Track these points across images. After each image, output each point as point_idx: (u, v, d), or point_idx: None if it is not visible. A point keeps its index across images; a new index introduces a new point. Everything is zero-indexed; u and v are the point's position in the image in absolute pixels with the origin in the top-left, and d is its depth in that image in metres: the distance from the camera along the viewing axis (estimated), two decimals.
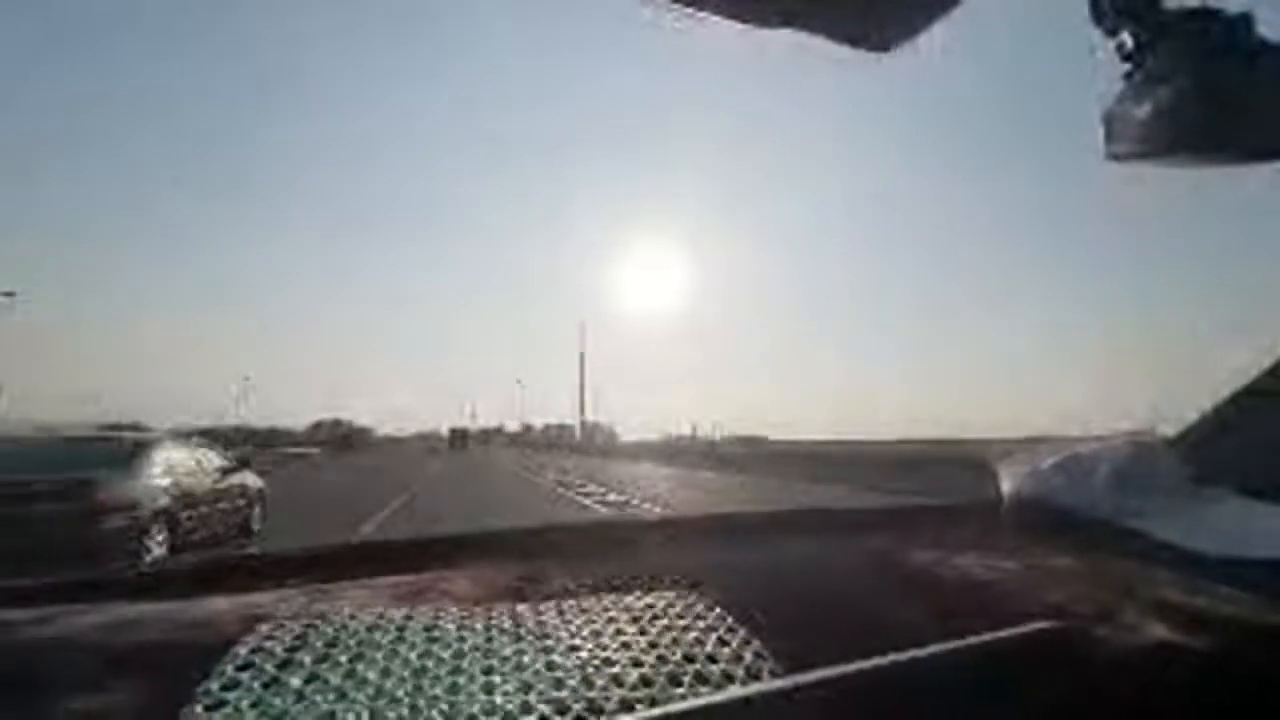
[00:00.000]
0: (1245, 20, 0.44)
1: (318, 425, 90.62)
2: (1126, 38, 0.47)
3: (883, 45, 0.47)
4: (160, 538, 5.81)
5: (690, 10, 0.42)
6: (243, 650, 0.38)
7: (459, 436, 77.52)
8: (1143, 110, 0.46)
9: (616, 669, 0.37)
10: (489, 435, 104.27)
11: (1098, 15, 0.47)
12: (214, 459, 7.44)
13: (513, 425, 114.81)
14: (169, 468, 6.30)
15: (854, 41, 0.47)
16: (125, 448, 6.24)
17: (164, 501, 5.95)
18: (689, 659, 0.38)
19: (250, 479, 8.16)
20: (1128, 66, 0.47)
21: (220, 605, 0.47)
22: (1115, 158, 0.49)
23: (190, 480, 6.58)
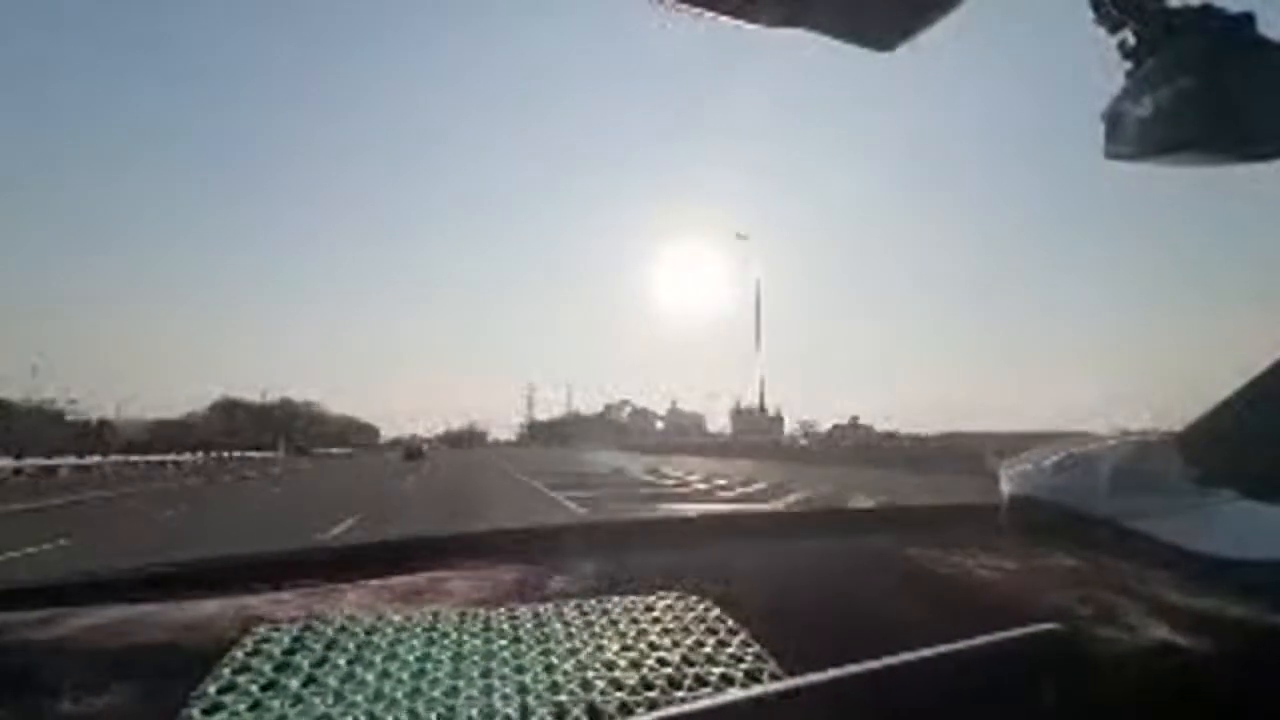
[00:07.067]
0: (1246, 20, 0.44)
1: (214, 409, 65.44)
2: (1129, 36, 0.47)
3: (887, 44, 0.47)
4: (427, 451, 54.35)
5: (698, 10, 0.42)
6: (239, 653, 0.38)
7: (464, 438, 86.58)
8: (1144, 109, 0.46)
9: (616, 671, 0.37)
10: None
11: (1100, 13, 0.47)
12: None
13: (621, 416, 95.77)
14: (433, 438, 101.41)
15: (858, 40, 0.47)
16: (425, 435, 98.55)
17: (430, 445, 76.55)
18: (689, 661, 0.38)
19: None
20: (1129, 65, 0.47)
21: (216, 607, 0.46)
22: (1116, 156, 0.49)
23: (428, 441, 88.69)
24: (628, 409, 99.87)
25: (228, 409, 71.25)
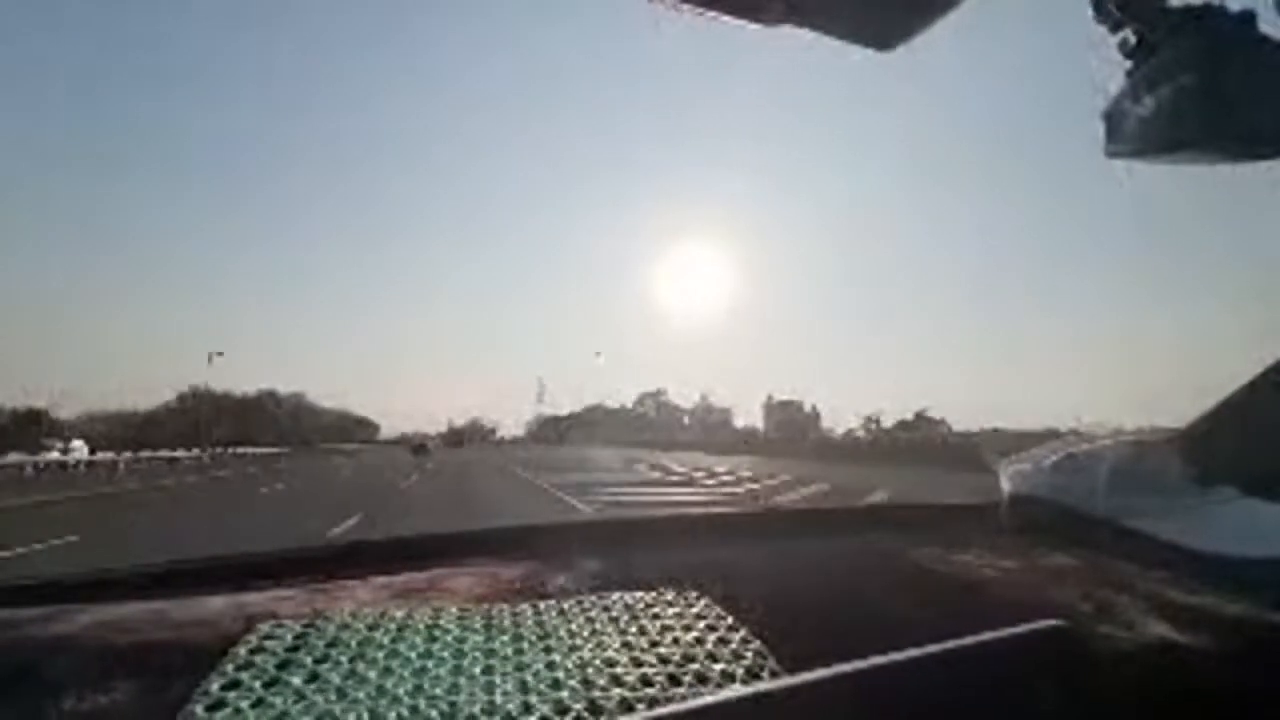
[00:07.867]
0: (1247, 19, 0.44)
1: (182, 400, 53.12)
2: (1129, 35, 0.47)
3: (886, 43, 0.47)
4: (431, 448, 55.52)
5: (696, 9, 0.42)
6: (243, 650, 0.38)
7: (465, 436, 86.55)
8: (1144, 108, 0.46)
9: (617, 669, 0.37)
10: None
11: (1101, 12, 0.47)
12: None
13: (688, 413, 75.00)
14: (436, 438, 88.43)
15: (856, 39, 0.47)
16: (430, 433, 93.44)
17: (434, 442, 70.76)
18: (689, 659, 0.38)
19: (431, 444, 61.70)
20: (1129, 64, 0.48)
21: (220, 604, 0.47)
22: (1116, 155, 0.49)
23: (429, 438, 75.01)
24: (654, 403, 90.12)
25: (197, 401, 61.77)
